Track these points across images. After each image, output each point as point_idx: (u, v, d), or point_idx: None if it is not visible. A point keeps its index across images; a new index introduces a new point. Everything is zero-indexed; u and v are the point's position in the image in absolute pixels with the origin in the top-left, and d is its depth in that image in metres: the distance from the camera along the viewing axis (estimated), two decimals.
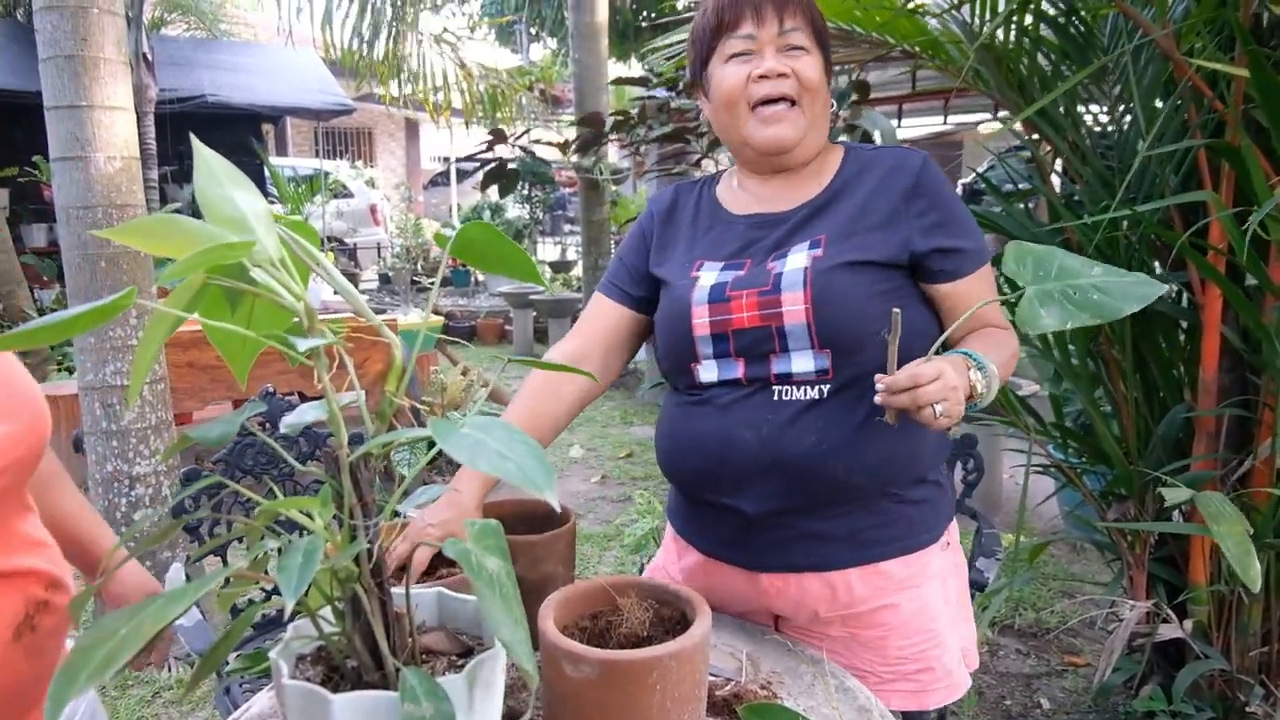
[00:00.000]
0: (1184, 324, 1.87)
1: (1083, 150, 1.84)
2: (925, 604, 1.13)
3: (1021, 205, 2.04)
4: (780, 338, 1.07)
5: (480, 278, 10.37)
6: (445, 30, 5.76)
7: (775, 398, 1.08)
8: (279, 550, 0.73)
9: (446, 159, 17.18)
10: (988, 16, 1.81)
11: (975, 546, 1.68)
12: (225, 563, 1.73)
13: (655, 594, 0.99)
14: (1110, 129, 1.85)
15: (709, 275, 1.14)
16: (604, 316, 1.26)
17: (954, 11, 1.88)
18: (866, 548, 1.10)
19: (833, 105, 1.21)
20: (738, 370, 1.10)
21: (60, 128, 2.16)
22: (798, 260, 1.08)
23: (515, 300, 7.69)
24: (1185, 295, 1.86)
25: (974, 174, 2.26)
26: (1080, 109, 1.90)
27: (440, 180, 17.76)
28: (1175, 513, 1.86)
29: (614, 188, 6.38)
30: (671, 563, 1.28)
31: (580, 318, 1.30)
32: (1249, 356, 1.72)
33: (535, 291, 7.78)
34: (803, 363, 1.07)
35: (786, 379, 1.07)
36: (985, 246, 1.15)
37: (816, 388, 1.07)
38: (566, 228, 12.42)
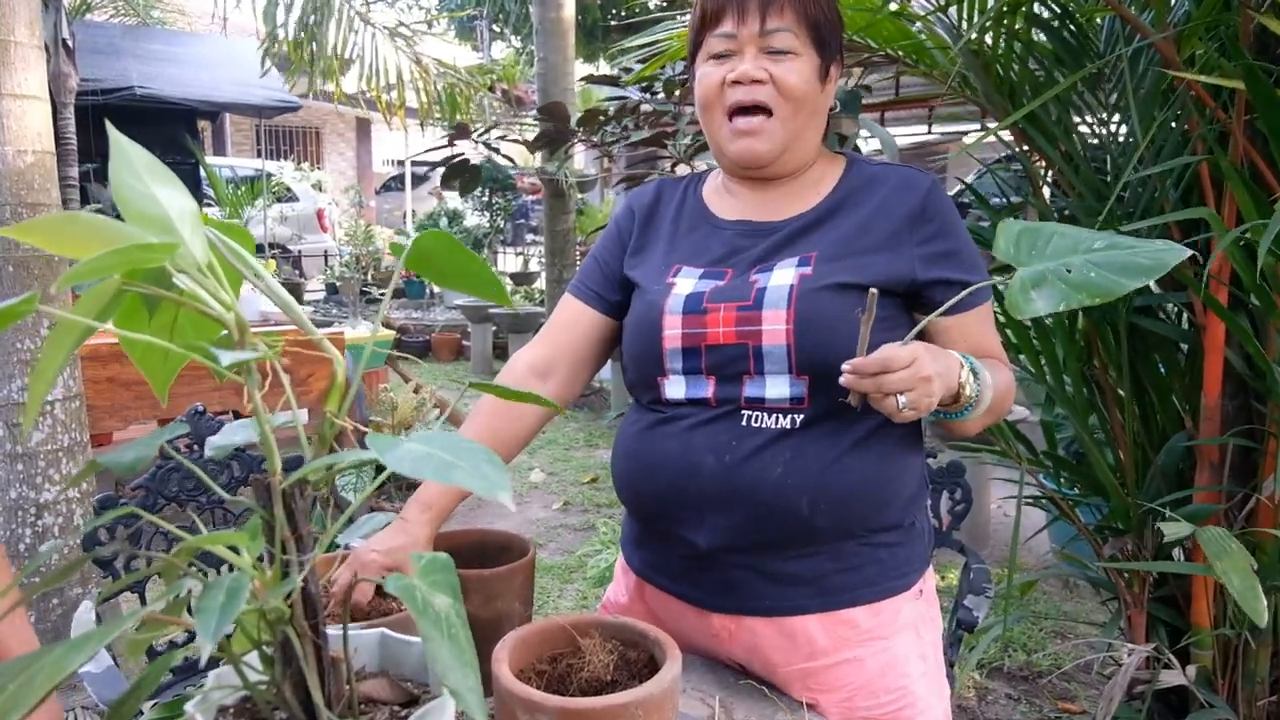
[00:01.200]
0: (1184, 346, 1.90)
1: (1076, 161, 1.87)
2: (895, 658, 1.09)
3: (1011, 219, 2.06)
4: (756, 358, 1.05)
5: (436, 289, 10.30)
6: (400, 24, 5.75)
7: (744, 423, 1.06)
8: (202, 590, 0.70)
9: (401, 162, 17.11)
10: (975, 19, 1.83)
11: (963, 583, 1.68)
12: (144, 601, 1.67)
13: (621, 634, 0.97)
14: (1109, 139, 1.88)
15: (686, 282, 1.12)
16: (575, 323, 1.24)
17: (940, 14, 1.91)
18: (830, 594, 1.07)
19: (835, 107, 1.20)
20: (707, 389, 1.08)
21: None
22: (784, 276, 1.07)
23: (473, 314, 7.65)
24: (1185, 316, 1.89)
25: (961, 184, 2.29)
26: (1075, 119, 1.93)
27: (394, 184, 17.66)
28: (1177, 549, 1.88)
29: (580, 195, 6.38)
30: (621, 594, 1.25)
31: (548, 321, 1.28)
32: (1254, 382, 1.75)
33: (494, 305, 7.75)
34: (777, 388, 1.05)
35: (758, 404, 1.06)
36: (987, 277, 1.13)
37: (789, 417, 1.05)
38: (529, 237, 12.41)
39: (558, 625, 0.97)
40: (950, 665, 1.64)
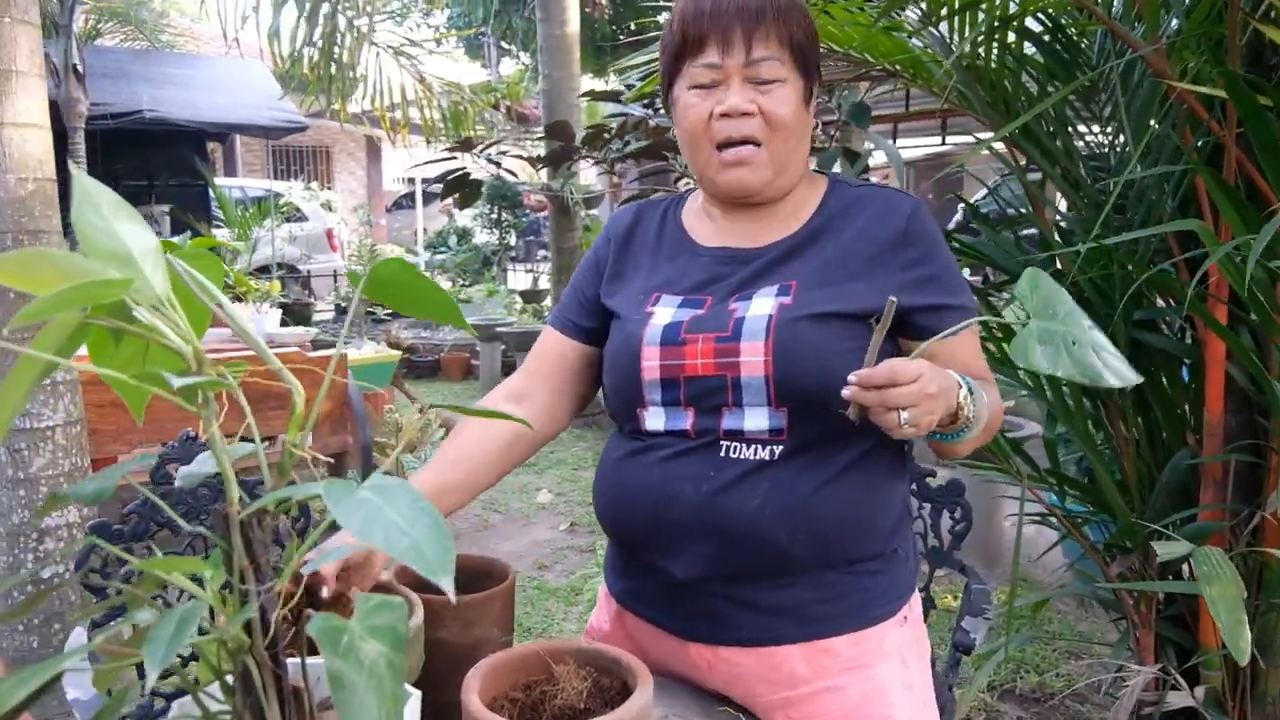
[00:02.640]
0: (1188, 361, 1.90)
1: (1075, 176, 1.87)
2: (878, 687, 1.08)
3: (1010, 234, 2.07)
4: (735, 390, 1.05)
5: None
6: (405, 43, 5.82)
7: (722, 453, 1.06)
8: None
9: (411, 180, 17.24)
10: (967, 33, 1.84)
11: (964, 604, 1.67)
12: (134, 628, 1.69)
13: (595, 661, 0.98)
14: (1103, 151, 1.89)
15: (664, 312, 1.12)
16: (551, 352, 1.24)
17: (931, 29, 1.92)
18: (811, 624, 1.07)
19: (816, 125, 1.20)
20: (686, 421, 1.08)
21: None
22: (762, 306, 1.06)
23: (482, 333, 7.69)
24: (1189, 331, 1.89)
25: (963, 204, 2.30)
26: (1072, 132, 1.93)
27: (406, 203, 17.80)
28: (1185, 567, 1.87)
29: (587, 211, 6.42)
30: (604, 621, 1.26)
31: (530, 351, 1.29)
32: (1257, 397, 1.74)
33: (503, 324, 7.78)
34: (756, 420, 1.05)
35: (737, 435, 1.06)
36: (974, 303, 1.14)
37: (768, 448, 1.05)
38: (540, 254, 12.45)
39: (532, 652, 0.98)
40: (950, 689, 1.64)
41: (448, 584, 0.54)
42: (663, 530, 1.08)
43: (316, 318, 9.29)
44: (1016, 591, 3.27)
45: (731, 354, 1.05)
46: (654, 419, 1.11)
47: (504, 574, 1.16)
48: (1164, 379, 1.91)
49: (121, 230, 0.70)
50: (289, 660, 0.73)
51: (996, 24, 1.80)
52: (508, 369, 7.78)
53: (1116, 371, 0.91)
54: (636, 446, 1.13)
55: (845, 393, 0.92)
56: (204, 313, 0.80)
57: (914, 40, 2.06)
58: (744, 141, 1.08)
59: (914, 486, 1.92)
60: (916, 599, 1.18)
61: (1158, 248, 1.81)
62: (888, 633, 1.10)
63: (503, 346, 7.69)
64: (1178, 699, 1.75)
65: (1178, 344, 1.88)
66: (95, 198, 0.69)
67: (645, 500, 1.09)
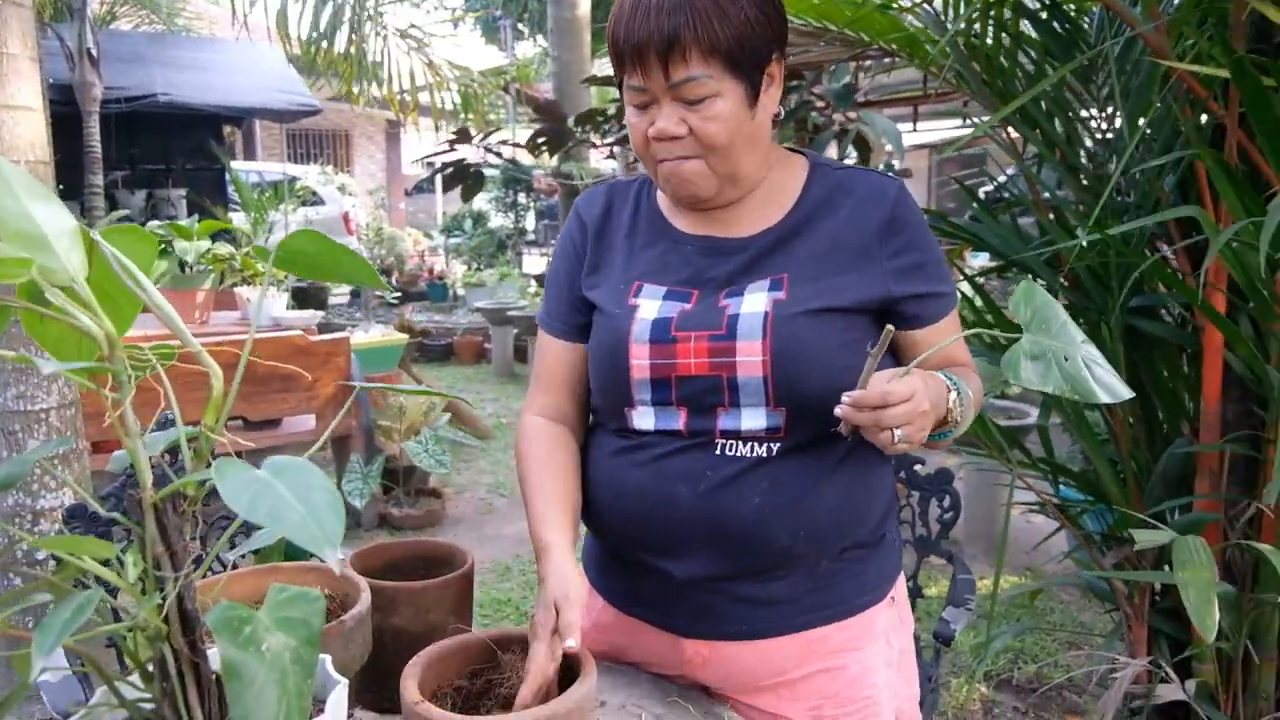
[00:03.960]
0: (1188, 349, 1.85)
1: (1072, 160, 1.82)
2: (866, 668, 1.09)
3: (1008, 218, 2.03)
4: (731, 390, 1.02)
5: (460, 292, 10.37)
6: (412, 25, 5.80)
7: (718, 452, 1.04)
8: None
9: (430, 164, 17.27)
10: (962, 10, 1.80)
11: (949, 594, 1.65)
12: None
13: None
14: (1101, 133, 1.84)
15: (650, 305, 1.08)
16: (561, 364, 1.18)
17: (926, 5, 1.88)
18: (805, 613, 1.07)
19: (779, 114, 1.14)
20: (678, 421, 1.05)
21: None
22: (756, 302, 1.03)
23: (493, 317, 7.69)
24: (1188, 319, 1.84)
25: (960, 186, 2.25)
26: (1071, 116, 1.88)
27: (426, 186, 17.81)
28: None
29: None
30: (585, 616, 1.24)
31: (536, 364, 1.22)
32: (1255, 387, 1.69)
33: (514, 307, 7.78)
34: (753, 420, 1.03)
35: (733, 434, 1.03)
36: (954, 287, 1.13)
37: (765, 445, 1.03)
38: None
39: (478, 640, 0.97)
40: (929, 679, 1.61)
41: (331, 557, 0.53)
42: (657, 532, 1.06)
43: (332, 301, 9.33)
44: (1019, 581, 3.24)
45: (727, 353, 1.01)
46: (643, 418, 1.07)
47: (462, 559, 1.14)
48: (1162, 367, 1.87)
49: (36, 212, 0.68)
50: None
51: (992, 1, 1.75)
52: (519, 353, 7.78)
53: (1108, 387, 0.91)
54: (625, 444, 1.10)
55: (838, 412, 0.93)
56: (128, 304, 0.78)
57: (910, 19, 2.01)
58: (679, 158, 1.04)
59: (902, 474, 1.89)
60: (901, 579, 1.19)
61: (1155, 232, 1.76)
62: (877, 615, 1.11)
63: (515, 330, 7.68)
64: (1168, 692, 1.72)
65: (1176, 331, 1.83)
66: (10, 179, 0.68)
67: (640, 501, 1.06)
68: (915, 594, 1.82)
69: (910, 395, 0.90)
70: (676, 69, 0.98)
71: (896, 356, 1.10)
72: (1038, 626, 2.79)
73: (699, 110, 1.00)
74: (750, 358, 1.00)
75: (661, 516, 1.05)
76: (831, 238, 1.07)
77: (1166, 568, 1.82)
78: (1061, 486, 2.06)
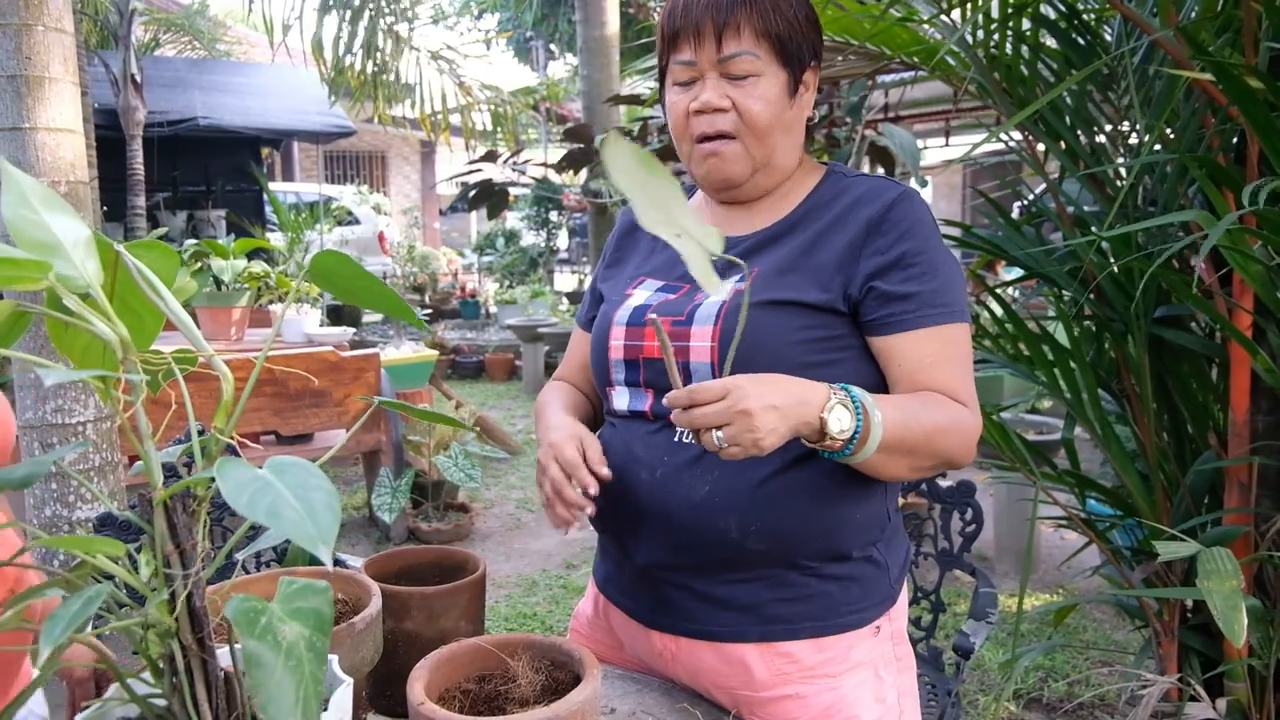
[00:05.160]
0: (1215, 360, 1.82)
1: (1098, 172, 1.81)
2: (842, 698, 1.05)
3: (1031, 228, 2.01)
4: (686, 374, 1.03)
5: (492, 309, 10.46)
6: (446, 46, 5.89)
7: (675, 438, 1.05)
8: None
9: (463, 183, 17.46)
10: (980, 20, 1.80)
11: (971, 607, 1.63)
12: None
13: (550, 654, 0.97)
14: (1122, 140, 1.82)
15: (642, 294, 1.14)
16: (578, 350, 1.28)
17: (944, 17, 1.88)
18: (769, 623, 1.05)
19: (812, 118, 1.16)
20: (645, 403, 1.09)
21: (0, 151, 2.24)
22: (720, 292, 1.04)
23: (524, 334, 7.75)
24: (1216, 329, 1.81)
25: (982, 196, 2.24)
26: (1096, 129, 1.87)
27: (460, 206, 17.99)
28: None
29: None
30: (588, 606, 1.28)
31: (567, 354, 1.32)
32: None
33: (545, 324, 7.83)
34: None
35: None
36: (955, 303, 1.03)
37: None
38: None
39: (485, 645, 0.98)
40: (949, 694, 1.60)
41: (325, 555, 0.54)
42: (622, 513, 1.08)
43: (366, 319, 9.46)
44: (1050, 598, 3.18)
45: (683, 338, 1.04)
46: (620, 399, 1.12)
47: (475, 565, 1.16)
48: (1190, 378, 1.84)
49: (53, 222, 0.71)
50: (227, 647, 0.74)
51: (1010, 10, 1.75)
52: (550, 370, 7.83)
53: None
54: (610, 428, 1.15)
55: (672, 415, 0.90)
56: (152, 313, 0.81)
57: (930, 30, 2.01)
58: (718, 136, 1.06)
59: (923, 487, 1.88)
60: (900, 612, 1.13)
61: (1179, 239, 1.74)
62: (855, 643, 1.07)
63: (546, 348, 7.74)
64: (1197, 710, 1.68)
65: (1204, 342, 1.81)
66: (26, 191, 0.71)
67: (615, 483, 1.08)
68: (938, 608, 1.80)
69: (723, 394, 0.86)
70: (729, 42, 1.03)
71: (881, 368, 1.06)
72: (1069, 644, 2.74)
73: (743, 86, 1.04)
74: (701, 343, 1.02)
75: (625, 498, 1.07)
76: (816, 236, 1.06)
77: (1197, 583, 1.78)
78: (1090, 501, 2.03)
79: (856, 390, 0.94)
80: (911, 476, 1.04)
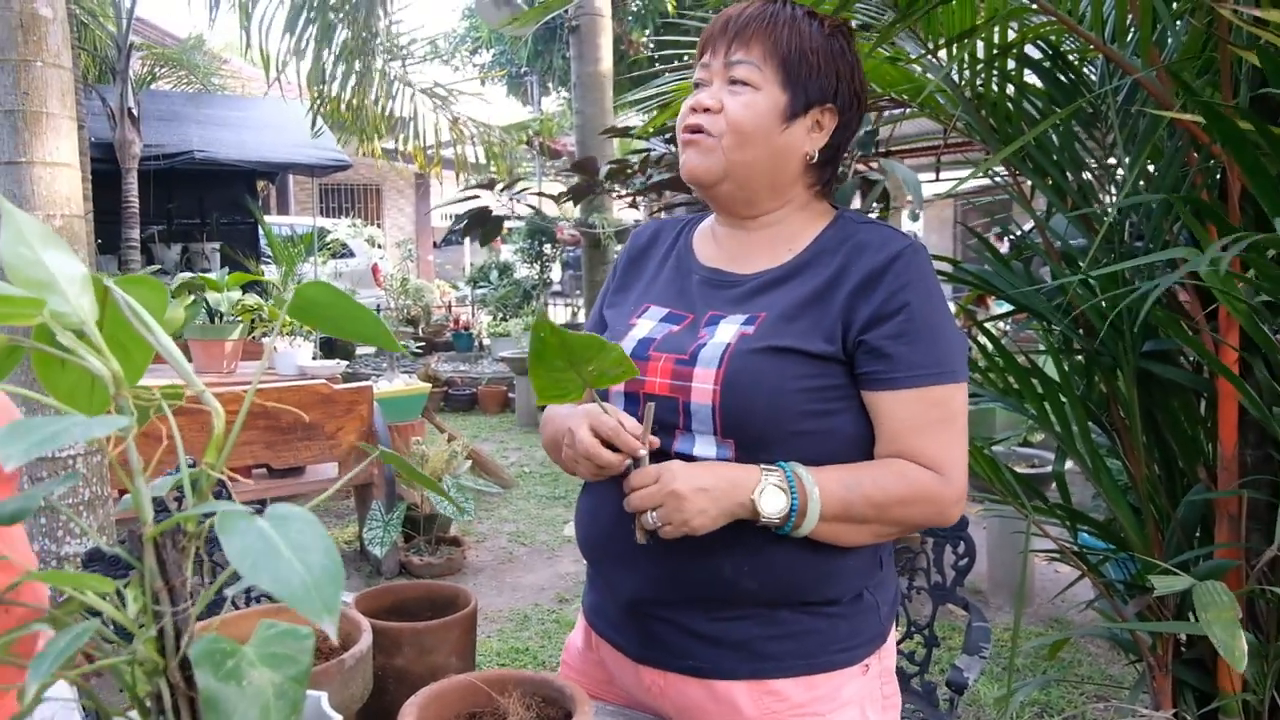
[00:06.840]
0: (1204, 394, 1.84)
1: (1080, 206, 1.83)
2: None
3: (1019, 263, 2.03)
4: (685, 414, 1.04)
5: (485, 342, 10.47)
6: (436, 84, 5.96)
7: None
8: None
9: (458, 216, 17.56)
10: (966, 59, 1.83)
11: (964, 642, 1.63)
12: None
13: (541, 690, 0.97)
14: (1106, 177, 1.85)
15: (645, 325, 1.13)
16: None
17: (930, 57, 1.91)
18: (758, 660, 1.04)
19: (811, 157, 1.14)
20: None
21: None
22: (725, 334, 1.05)
23: (517, 367, 7.75)
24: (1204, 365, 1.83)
25: (973, 234, 2.27)
26: (1083, 165, 1.90)
27: (454, 238, 18.08)
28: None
29: (619, 244, 6.47)
30: (578, 638, 1.27)
31: None
32: (1274, 432, 1.67)
33: None
34: (705, 448, 1.04)
35: (688, 459, 1.04)
36: (947, 364, 1.02)
37: None
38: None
39: (476, 681, 0.97)
40: None
41: (330, 627, 0.53)
42: (613, 548, 1.09)
43: (360, 352, 9.46)
44: (1045, 632, 3.17)
45: (685, 378, 1.04)
46: None
47: (466, 600, 1.15)
48: (1180, 413, 1.85)
49: (49, 259, 0.72)
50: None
51: (996, 51, 1.78)
52: None
53: None
54: None
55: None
56: (141, 348, 0.81)
57: (916, 69, 2.05)
58: (701, 131, 1.09)
59: None
60: (889, 651, 1.13)
61: (1155, 273, 1.76)
62: (845, 682, 1.06)
63: None
64: None
65: (1192, 376, 1.82)
66: (24, 228, 0.72)
67: (602, 515, 1.10)
68: (931, 643, 1.80)
69: (655, 479, 0.96)
70: (737, 49, 1.08)
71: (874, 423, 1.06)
72: (1064, 679, 2.72)
73: (738, 93, 1.07)
74: (703, 385, 1.02)
75: (617, 533, 1.07)
76: (823, 284, 1.06)
77: (1191, 616, 1.78)
78: (1082, 534, 2.03)
79: (793, 468, 0.98)
80: (880, 540, 1.06)
